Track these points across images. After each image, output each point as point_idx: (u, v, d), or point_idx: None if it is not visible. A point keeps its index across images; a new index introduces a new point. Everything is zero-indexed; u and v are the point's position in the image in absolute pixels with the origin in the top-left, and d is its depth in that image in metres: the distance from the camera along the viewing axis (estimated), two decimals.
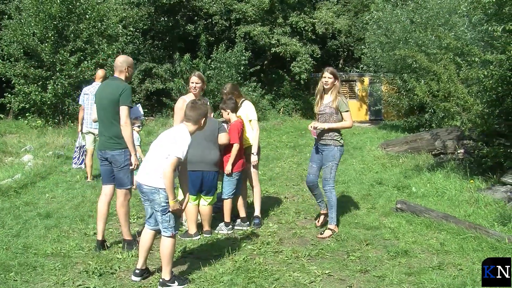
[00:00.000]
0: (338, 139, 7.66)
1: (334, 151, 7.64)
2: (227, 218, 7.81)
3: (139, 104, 11.80)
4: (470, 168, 10.50)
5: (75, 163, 12.55)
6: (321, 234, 7.60)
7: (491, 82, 9.55)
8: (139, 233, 7.12)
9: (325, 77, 7.69)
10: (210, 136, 7.32)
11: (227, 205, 7.78)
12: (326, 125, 7.60)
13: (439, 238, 7.17)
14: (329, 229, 7.65)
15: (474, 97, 10.66)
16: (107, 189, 7.11)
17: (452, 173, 10.64)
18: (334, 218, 7.71)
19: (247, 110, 8.16)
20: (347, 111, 7.63)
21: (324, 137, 7.68)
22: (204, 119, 5.86)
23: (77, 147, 12.46)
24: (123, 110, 6.67)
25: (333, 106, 7.63)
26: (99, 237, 6.98)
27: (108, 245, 7.05)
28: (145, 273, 5.91)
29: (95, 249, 6.88)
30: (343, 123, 7.66)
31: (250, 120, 8.14)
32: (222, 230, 7.71)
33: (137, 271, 5.85)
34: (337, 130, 7.67)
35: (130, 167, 6.86)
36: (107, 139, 6.84)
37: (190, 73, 8.53)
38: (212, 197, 7.56)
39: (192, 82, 7.81)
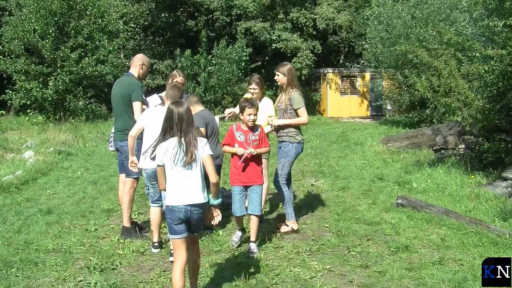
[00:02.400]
0: (294, 136, 7.52)
1: (288, 148, 7.52)
2: (254, 236, 6.75)
3: (155, 94, 12.10)
4: (471, 164, 10.50)
5: (111, 146, 13.04)
6: (279, 228, 7.59)
7: (492, 77, 9.53)
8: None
9: (276, 75, 7.71)
10: (211, 132, 7.29)
11: (256, 222, 6.75)
12: (280, 121, 7.56)
13: (439, 234, 7.17)
14: (286, 224, 7.60)
15: (475, 92, 10.64)
16: (122, 177, 7.55)
17: (453, 169, 10.64)
18: (291, 214, 7.60)
19: (266, 107, 8.11)
20: (299, 108, 7.47)
21: (280, 134, 7.65)
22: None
23: (112, 133, 13.10)
24: (137, 105, 7.13)
25: (285, 102, 7.56)
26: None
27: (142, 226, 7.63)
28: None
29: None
30: (297, 120, 7.51)
31: (270, 116, 8.09)
32: (254, 250, 6.61)
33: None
34: (294, 127, 7.56)
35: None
36: (116, 130, 7.40)
37: (173, 71, 8.39)
38: None
39: (179, 83, 7.60)
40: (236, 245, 6.87)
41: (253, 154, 6.60)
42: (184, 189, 4.73)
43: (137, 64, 7.44)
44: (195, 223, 4.82)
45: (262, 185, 6.86)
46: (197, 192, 4.76)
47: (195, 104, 7.31)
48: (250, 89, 8.12)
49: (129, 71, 7.54)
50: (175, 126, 4.72)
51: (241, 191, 6.74)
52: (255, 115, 6.61)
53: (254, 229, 6.70)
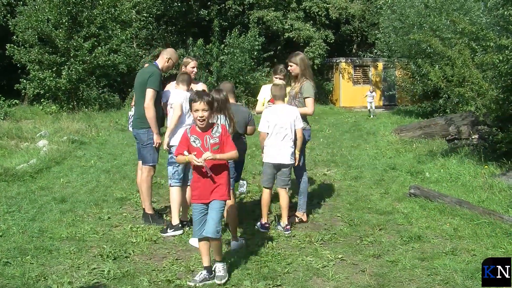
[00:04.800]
0: None
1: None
2: (219, 256, 5.54)
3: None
4: (485, 154, 10.44)
5: (131, 127, 14.48)
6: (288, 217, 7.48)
7: (506, 67, 9.46)
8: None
9: (288, 66, 7.67)
10: (240, 124, 6.97)
11: (217, 244, 5.49)
12: None
13: (452, 224, 7.15)
14: (296, 215, 7.58)
15: (489, 82, 10.56)
16: (140, 164, 7.62)
17: (466, 159, 10.59)
18: (303, 205, 7.61)
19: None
20: (308, 97, 7.43)
21: None
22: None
23: (130, 115, 14.57)
24: (148, 92, 7.16)
25: (296, 90, 7.56)
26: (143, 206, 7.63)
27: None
28: None
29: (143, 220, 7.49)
30: (302, 109, 7.43)
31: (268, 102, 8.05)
32: (221, 274, 5.43)
33: None
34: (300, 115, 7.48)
35: (153, 146, 7.34)
36: (135, 118, 7.52)
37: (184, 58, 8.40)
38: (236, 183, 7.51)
39: (193, 67, 7.90)
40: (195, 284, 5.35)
41: (210, 159, 5.21)
42: None
43: (165, 57, 7.57)
44: None
45: (224, 201, 5.47)
46: None
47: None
48: (276, 78, 8.05)
49: (155, 61, 7.68)
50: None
51: (202, 210, 5.38)
52: (204, 110, 5.23)
53: (216, 249, 5.46)
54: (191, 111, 5.38)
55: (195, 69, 7.95)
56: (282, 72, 8.02)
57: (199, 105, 5.20)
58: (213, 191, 5.35)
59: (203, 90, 6.10)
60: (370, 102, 25.49)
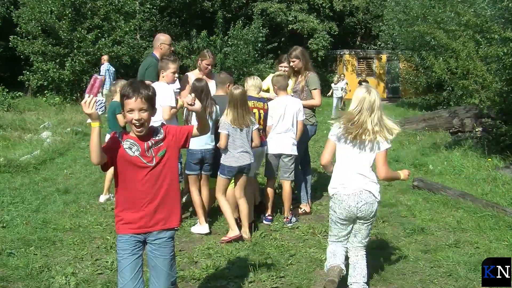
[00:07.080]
0: (308, 118, 7.50)
1: (304, 130, 7.45)
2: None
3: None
4: (488, 147, 10.43)
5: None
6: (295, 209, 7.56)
7: (510, 59, 9.43)
8: None
9: (291, 62, 7.61)
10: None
11: None
12: None
13: (455, 216, 7.15)
14: (299, 207, 7.65)
15: (493, 75, 10.52)
16: None
17: (469, 151, 10.59)
18: (303, 196, 7.72)
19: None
20: (315, 89, 7.49)
21: None
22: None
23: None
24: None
25: (301, 84, 7.56)
26: None
27: None
28: None
29: None
30: (310, 101, 7.50)
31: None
32: None
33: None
34: (309, 108, 7.52)
35: None
36: None
37: (203, 50, 8.30)
38: None
39: (208, 64, 7.72)
40: None
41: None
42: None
43: (156, 45, 7.70)
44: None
45: (174, 229, 3.83)
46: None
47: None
48: (281, 67, 7.87)
49: (153, 52, 7.80)
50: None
51: (136, 247, 3.76)
52: (143, 110, 3.57)
53: None
54: (122, 109, 3.69)
55: (209, 67, 7.75)
56: (286, 60, 7.95)
57: (135, 103, 3.53)
58: (160, 212, 3.70)
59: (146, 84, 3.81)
60: (338, 98, 21.53)
